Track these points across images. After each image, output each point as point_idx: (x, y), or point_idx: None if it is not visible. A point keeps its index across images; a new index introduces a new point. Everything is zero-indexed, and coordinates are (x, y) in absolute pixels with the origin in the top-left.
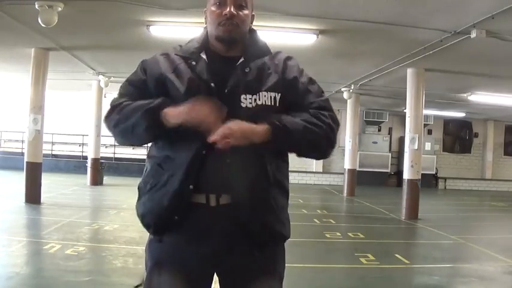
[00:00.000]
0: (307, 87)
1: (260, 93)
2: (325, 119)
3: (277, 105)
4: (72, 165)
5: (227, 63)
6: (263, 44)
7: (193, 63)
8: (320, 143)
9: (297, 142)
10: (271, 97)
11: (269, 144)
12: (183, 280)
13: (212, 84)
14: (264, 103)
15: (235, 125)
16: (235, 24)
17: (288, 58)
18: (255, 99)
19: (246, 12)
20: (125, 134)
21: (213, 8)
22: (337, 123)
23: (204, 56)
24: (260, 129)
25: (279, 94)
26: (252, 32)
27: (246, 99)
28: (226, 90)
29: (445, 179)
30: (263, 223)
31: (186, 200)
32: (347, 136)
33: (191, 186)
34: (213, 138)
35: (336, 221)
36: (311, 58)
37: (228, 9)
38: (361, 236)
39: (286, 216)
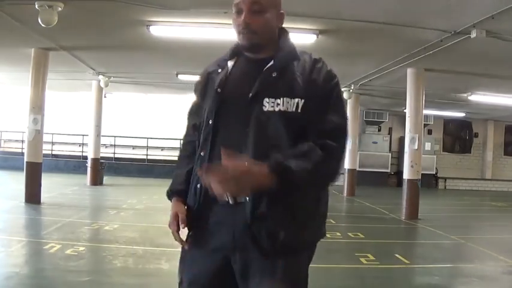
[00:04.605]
0: (329, 96)
1: (284, 98)
2: (331, 153)
3: (299, 111)
4: (72, 165)
5: (256, 66)
6: (292, 48)
7: (219, 70)
8: (323, 181)
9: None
10: (294, 103)
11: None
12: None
13: (218, 90)
14: (286, 109)
15: (233, 168)
16: (252, 32)
17: (317, 61)
18: (278, 104)
19: (266, 16)
20: None
21: (234, 16)
22: (340, 155)
23: (230, 63)
24: (262, 172)
25: (302, 100)
26: (283, 33)
27: (268, 102)
28: (250, 94)
29: (445, 179)
30: (269, 229)
31: (200, 195)
32: None
33: (198, 185)
34: (205, 183)
35: (336, 221)
36: None
37: (242, 18)
38: (361, 236)
39: (308, 224)
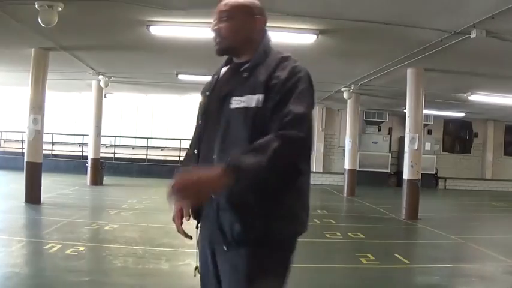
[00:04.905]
0: (291, 91)
1: (248, 95)
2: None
3: (260, 106)
4: (72, 165)
5: (236, 70)
6: (262, 49)
7: (215, 76)
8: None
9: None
10: (254, 99)
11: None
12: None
13: (207, 93)
14: (248, 105)
15: (181, 179)
16: (221, 37)
17: (284, 59)
18: (242, 101)
19: (232, 22)
20: None
21: None
22: (298, 142)
23: (223, 69)
24: (214, 175)
25: (262, 95)
26: (263, 36)
27: (235, 101)
28: (223, 94)
29: (445, 179)
30: (229, 219)
31: None
32: (347, 136)
33: None
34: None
35: (336, 221)
36: (311, 58)
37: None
38: (361, 236)
39: (268, 220)
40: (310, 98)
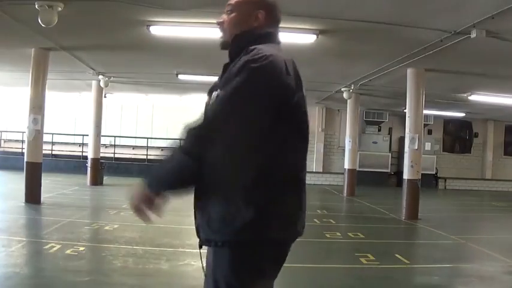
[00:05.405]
0: (232, 80)
1: (219, 89)
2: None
3: None
4: (72, 165)
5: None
6: (241, 43)
7: None
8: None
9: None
10: (218, 95)
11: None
12: None
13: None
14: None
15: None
16: (223, 30)
17: (249, 49)
18: (215, 95)
19: (232, 16)
20: None
21: None
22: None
23: None
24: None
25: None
26: (261, 31)
27: (213, 95)
28: (209, 90)
29: (445, 179)
30: (196, 224)
31: None
32: (347, 136)
33: None
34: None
35: (336, 221)
36: (311, 58)
37: None
38: (361, 236)
39: (218, 224)
40: (241, 91)
